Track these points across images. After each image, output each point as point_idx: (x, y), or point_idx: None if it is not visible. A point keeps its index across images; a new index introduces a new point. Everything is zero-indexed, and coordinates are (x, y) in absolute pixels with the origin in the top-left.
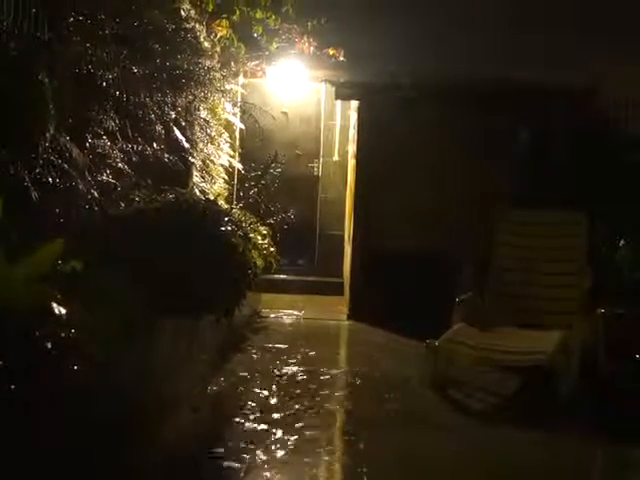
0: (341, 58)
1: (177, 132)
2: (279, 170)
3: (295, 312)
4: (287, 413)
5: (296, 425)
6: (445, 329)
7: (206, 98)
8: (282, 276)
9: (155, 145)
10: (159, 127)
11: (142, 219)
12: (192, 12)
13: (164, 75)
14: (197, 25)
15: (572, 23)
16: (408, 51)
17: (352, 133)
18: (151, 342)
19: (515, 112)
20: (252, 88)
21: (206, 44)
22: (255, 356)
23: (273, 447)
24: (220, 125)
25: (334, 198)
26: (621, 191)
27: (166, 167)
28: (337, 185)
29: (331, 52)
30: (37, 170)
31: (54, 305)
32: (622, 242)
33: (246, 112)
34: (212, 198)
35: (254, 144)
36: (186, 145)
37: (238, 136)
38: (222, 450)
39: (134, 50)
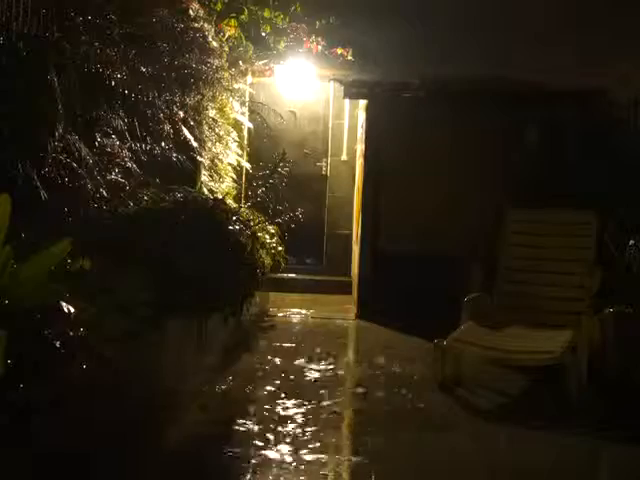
0: (349, 57)
1: (185, 131)
2: (287, 169)
3: (303, 311)
4: (294, 412)
5: (303, 424)
6: (453, 328)
7: (214, 97)
8: (290, 275)
9: (164, 144)
10: (167, 126)
11: (150, 218)
12: (201, 11)
13: (173, 74)
14: (205, 24)
15: (581, 22)
16: (417, 50)
17: (360, 132)
18: (159, 341)
19: (525, 111)
20: (260, 87)
21: (214, 43)
22: (263, 355)
23: (280, 445)
24: (228, 124)
25: (342, 197)
26: (631, 191)
27: (174, 166)
28: (345, 184)
29: (339, 51)
30: (46, 169)
31: (63, 304)
32: (631, 242)
33: (254, 111)
34: (220, 197)
35: (262, 143)
36: (194, 144)
37: (246, 135)
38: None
39: (143, 49)
